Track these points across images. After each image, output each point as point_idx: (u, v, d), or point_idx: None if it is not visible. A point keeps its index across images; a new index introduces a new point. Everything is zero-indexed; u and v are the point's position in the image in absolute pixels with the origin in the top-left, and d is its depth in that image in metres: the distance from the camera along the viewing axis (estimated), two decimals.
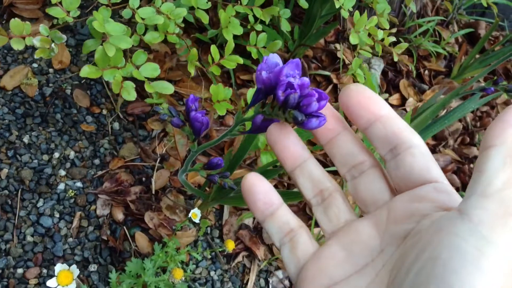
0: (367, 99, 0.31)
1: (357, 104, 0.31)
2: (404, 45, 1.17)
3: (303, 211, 1.32)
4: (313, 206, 0.35)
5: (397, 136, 0.31)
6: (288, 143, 0.35)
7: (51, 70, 1.30)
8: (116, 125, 1.27)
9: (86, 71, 0.94)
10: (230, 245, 1.04)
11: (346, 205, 0.34)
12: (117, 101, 1.28)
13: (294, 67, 0.57)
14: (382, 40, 1.18)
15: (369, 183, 0.32)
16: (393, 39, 1.18)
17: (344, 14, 1.11)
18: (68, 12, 0.95)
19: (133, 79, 0.99)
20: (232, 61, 1.12)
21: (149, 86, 0.99)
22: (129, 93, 0.97)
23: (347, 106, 0.32)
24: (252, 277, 1.18)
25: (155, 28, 1.07)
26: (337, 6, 1.10)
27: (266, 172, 1.01)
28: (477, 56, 1.76)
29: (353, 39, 1.13)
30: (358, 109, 0.32)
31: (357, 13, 1.14)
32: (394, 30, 1.26)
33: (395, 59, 1.14)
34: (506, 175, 0.23)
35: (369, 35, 1.18)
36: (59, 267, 0.80)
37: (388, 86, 1.69)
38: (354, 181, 0.33)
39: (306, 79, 0.55)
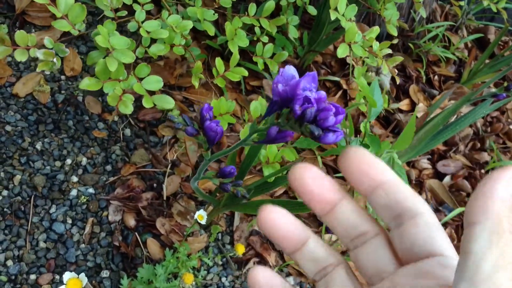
0: (368, 165, 0.29)
1: (358, 171, 0.29)
2: (398, 59, 1.14)
3: (314, 216, 1.33)
4: (316, 282, 0.33)
5: (401, 205, 0.29)
6: (284, 232, 0.32)
7: (63, 77, 1.31)
8: (127, 131, 1.28)
9: (86, 83, 0.94)
10: (240, 249, 1.04)
11: (350, 279, 0.32)
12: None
13: (311, 80, 0.57)
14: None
15: (372, 253, 0.30)
16: (389, 51, 1.14)
17: (345, 24, 1.08)
18: (74, 25, 0.96)
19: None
20: (237, 73, 1.12)
21: (147, 100, 0.97)
22: (127, 107, 0.96)
23: (347, 172, 0.30)
24: None
25: (162, 39, 1.07)
26: (332, 18, 1.06)
27: (276, 180, 1.01)
28: (487, 61, 1.76)
29: (340, 52, 1.06)
30: (359, 175, 0.29)
31: (349, 24, 1.08)
32: (395, 41, 1.23)
33: (385, 72, 1.11)
34: (494, 257, 0.22)
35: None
36: (68, 275, 0.81)
37: (398, 91, 1.69)
38: (355, 251, 0.31)
39: (323, 93, 0.55)
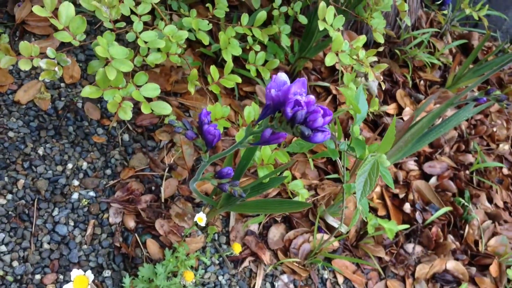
0: None
1: None
2: (383, 65, 1.20)
3: (306, 217, 1.38)
4: None
5: None
6: None
7: (62, 84, 1.35)
8: (126, 136, 1.32)
9: (87, 91, 0.99)
10: (237, 248, 1.09)
11: None
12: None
13: (301, 85, 0.63)
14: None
15: None
16: (375, 58, 1.20)
17: (332, 34, 1.14)
18: (75, 36, 1.01)
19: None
20: (231, 80, 1.18)
21: (146, 107, 1.03)
22: (126, 113, 1.02)
23: None
24: (259, 281, 1.23)
25: (158, 49, 1.12)
26: (321, 28, 1.12)
27: (271, 181, 1.07)
28: (471, 66, 1.83)
29: (328, 60, 1.13)
30: None
31: (336, 34, 1.15)
32: (381, 49, 1.30)
33: (371, 78, 1.17)
34: None
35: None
36: (75, 272, 0.85)
37: (385, 96, 1.75)
38: None
39: (312, 97, 0.61)
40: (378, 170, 0.86)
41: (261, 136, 0.68)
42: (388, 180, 0.91)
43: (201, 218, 1.04)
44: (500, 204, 1.65)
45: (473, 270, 1.45)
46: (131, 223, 1.19)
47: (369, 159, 0.87)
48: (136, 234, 1.18)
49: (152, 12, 1.27)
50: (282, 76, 0.62)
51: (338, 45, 1.11)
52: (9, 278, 1.05)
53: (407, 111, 1.72)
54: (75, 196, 1.19)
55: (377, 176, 0.86)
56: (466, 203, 1.55)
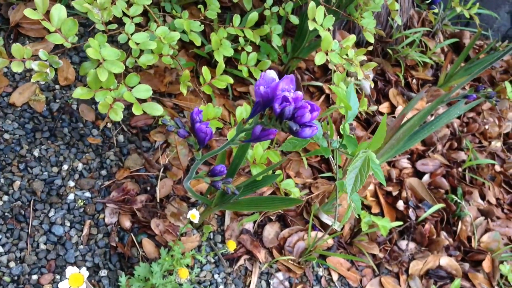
0: None
1: None
2: (372, 64, 1.22)
3: (301, 215, 1.39)
4: None
5: None
6: None
7: (57, 86, 1.36)
8: (120, 137, 1.33)
9: (79, 92, 1.00)
10: (231, 245, 1.10)
11: None
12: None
13: (289, 82, 0.64)
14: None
15: None
16: (364, 58, 1.21)
17: (322, 33, 1.15)
18: (67, 38, 1.02)
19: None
20: (223, 81, 1.19)
21: (137, 108, 1.04)
22: (117, 114, 1.03)
23: None
24: (254, 279, 1.24)
25: (151, 50, 1.13)
26: (311, 28, 1.14)
27: (264, 178, 1.08)
28: (462, 64, 1.84)
29: (318, 60, 1.14)
30: None
31: (325, 33, 1.16)
32: (370, 48, 1.31)
33: (360, 77, 1.18)
34: None
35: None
36: (70, 270, 0.86)
37: (378, 95, 1.77)
38: None
39: (300, 93, 0.62)
40: (369, 166, 0.87)
41: (252, 133, 0.70)
42: (380, 176, 0.92)
43: (194, 215, 1.05)
44: (493, 200, 1.67)
45: (466, 266, 1.47)
46: (126, 223, 1.20)
47: (360, 155, 0.88)
48: (132, 234, 1.19)
49: (145, 14, 1.28)
50: (271, 74, 0.64)
51: (327, 44, 1.12)
52: (6, 278, 1.06)
53: (400, 110, 1.74)
54: (71, 197, 1.20)
55: (368, 172, 0.88)
56: (458, 200, 1.57)
